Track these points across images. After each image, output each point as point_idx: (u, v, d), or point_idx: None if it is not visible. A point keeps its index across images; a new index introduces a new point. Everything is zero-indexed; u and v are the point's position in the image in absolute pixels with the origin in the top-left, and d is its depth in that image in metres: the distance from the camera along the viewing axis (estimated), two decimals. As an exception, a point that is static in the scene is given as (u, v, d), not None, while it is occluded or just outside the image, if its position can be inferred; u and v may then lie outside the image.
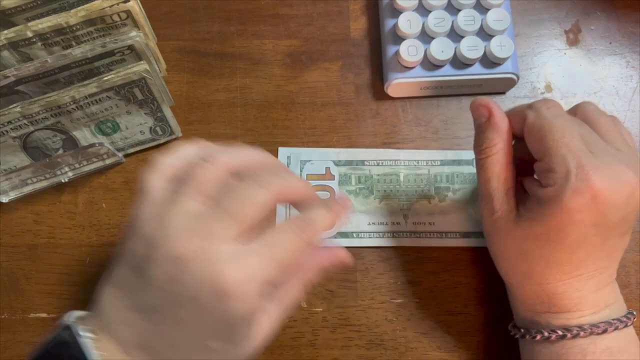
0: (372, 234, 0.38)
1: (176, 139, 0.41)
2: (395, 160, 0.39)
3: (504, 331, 0.34)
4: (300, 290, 0.28)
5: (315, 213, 0.26)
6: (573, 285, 0.29)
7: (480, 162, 0.31)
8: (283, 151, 0.40)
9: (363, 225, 0.38)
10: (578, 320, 0.29)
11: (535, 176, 0.30)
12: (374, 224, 0.38)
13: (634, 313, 0.30)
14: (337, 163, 0.40)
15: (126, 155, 0.40)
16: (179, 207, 0.23)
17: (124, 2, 0.34)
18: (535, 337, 0.30)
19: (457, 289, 0.37)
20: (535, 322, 0.31)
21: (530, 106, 0.30)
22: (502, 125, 0.30)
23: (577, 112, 0.31)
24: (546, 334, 0.30)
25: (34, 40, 0.34)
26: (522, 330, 0.31)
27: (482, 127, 0.31)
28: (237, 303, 0.22)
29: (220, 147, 0.26)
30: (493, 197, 0.30)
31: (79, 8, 0.34)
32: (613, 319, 0.29)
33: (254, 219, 0.24)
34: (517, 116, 0.30)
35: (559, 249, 0.28)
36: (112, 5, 0.34)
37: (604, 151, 0.28)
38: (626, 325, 0.30)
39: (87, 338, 0.24)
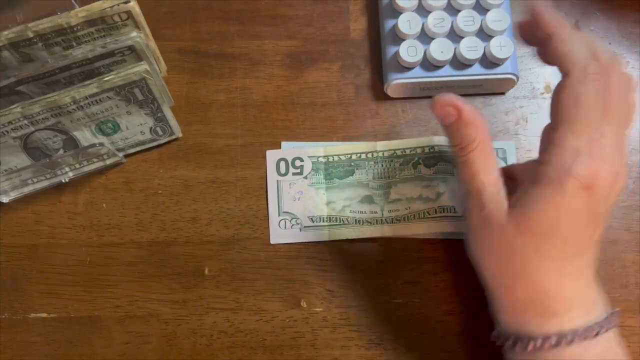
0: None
1: (176, 139, 0.41)
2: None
3: (504, 331, 0.34)
4: None
5: None
6: (566, 283, 0.28)
7: (462, 159, 0.29)
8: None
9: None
10: (571, 323, 0.27)
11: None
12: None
13: (618, 310, 0.29)
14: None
15: (126, 156, 0.41)
16: None
17: (125, 2, 0.34)
18: (527, 346, 0.28)
19: (457, 289, 0.37)
20: (525, 329, 0.28)
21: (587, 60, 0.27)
22: (475, 118, 0.28)
23: (600, 59, 0.27)
24: (540, 342, 0.27)
25: (35, 40, 0.34)
26: (512, 340, 0.29)
27: (454, 127, 0.29)
28: None
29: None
30: (482, 192, 0.28)
31: (79, 8, 0.34)
32: (603, 319, 0.28)
33: None
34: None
35: (553, 243, 0.27)
36: (113, 6, 0.34)
37: (610, 132, 0.26)
38: (614, 326, 0.28)
39: None
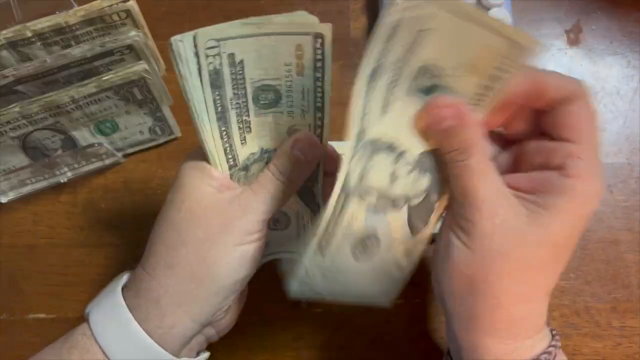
0: None
1: (175, 139, 0.41)
2: None
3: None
4: None
5: None
6: (546, 301, 0.26)
7: (461, 165, 0.25)
8: None
9: None
10: (538, 347, 0.25)
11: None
12: None
13: (555, 331, 0.27)
14: None
15: (125, 156, 0.40)
16: None
17: (124, 1, 0.34)
18: None
19: (458, 290, 0.37)
20: (493, 356, 0.25)
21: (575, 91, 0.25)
22: (476, 120, 0.25)
23: (576, 93, 0.25)
24: None
25: (33, 39, 0.34)
26: None
27: (452, 131, 0.25)
28: None
29: None
30: (490, 199, 0.24)
31: (78, 8, 0.34)
32: (553, 342, 0.26)
33: None
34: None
35: (565, 257, 0.25)
36: (112, 5, 0.34)
37: None
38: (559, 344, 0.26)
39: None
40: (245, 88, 0.26)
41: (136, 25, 0.35)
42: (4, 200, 0.39)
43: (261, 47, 0.25)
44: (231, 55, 0.25)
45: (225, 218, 0.27)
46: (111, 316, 0.27)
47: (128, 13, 0.34)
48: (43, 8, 0.35)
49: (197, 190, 0.27)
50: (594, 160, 0.25)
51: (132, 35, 0.35)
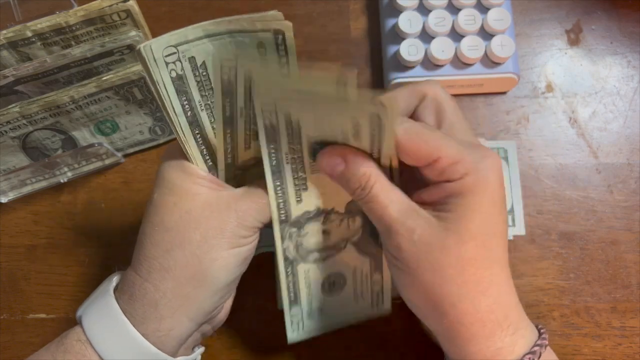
0: None
1: (175, 139, 0.40)
2: None
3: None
4: None
5: None
6: (513, 290, 0.26)
7: (367, 199, 0.26)
8: None
9: None
10: (520, 346, 0.25)
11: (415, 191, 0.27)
12: None
13: (543, 327, 0.27)
14: None
15: (125, 156, 0.40)
16: None
17: (124, 1, 0.33)
18: None
19: (458, 290, 0.37)
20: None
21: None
22: (362, 158, 0.26)
23: (426, 93, 0.28)
24: None
25: (33, 39, 0.34)
26: None
27: (345, 174, 0.26)
28: None
29: None
30: (403, 218, 0.25)
31: (78, 8, 0.33)
32: (539, 341, 0.25)
33: None
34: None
35: (497, 242, 0.25)
36: (112, 5, 0.33)
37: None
38: (547, 342, 0.26)
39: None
40: (211, 89, 0.26)
41: (136, 25, 0.35)
42: (4, 200, 0.39)
43: (223, 48, 0.25)
44: (192, 59, 0.25)
45: (222, 221, 0.27)
46: (106, 321, 0.26)
47: (128, 13, 0.34)
48: (43, 8, 0.35)
49: (189, 191, 0.27)
50: (462, 151, 0.25)
51: (132, 35, 0.35)
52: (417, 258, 0.25)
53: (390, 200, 0.26)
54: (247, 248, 0.28)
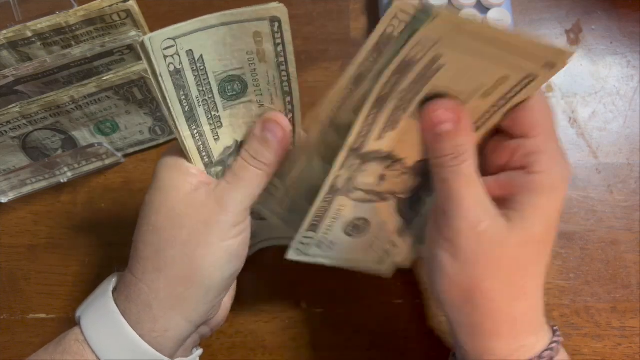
0: None
1: (175, 139, 0.40)
2: None
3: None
4: None
5: None
6: (543, 292, 0.26)
7: (451, 171, 0.25)
8: None
9: None
10: (539, 344, 0.25)
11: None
12: None
13: (555, 327, 0.27)
14: None
15: (125, 156, 0.40)
16: None
17: (124, 1, 0.34)
18: None
19: (458, 290, 0.37)
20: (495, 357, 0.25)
21: None
22: (470, 128, 0.25)
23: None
24: None
25: (33, 39, 0.34)
26: None
27: (448, 135, 0.25)
28: None
29: None
30: (476, 205, 0.25)
31: (78, 8, 0.34)
32: (555, 338, 0.26)
33: None
34: None
35: (547, 251, 0.25)
36: (112, 5, 0.33)
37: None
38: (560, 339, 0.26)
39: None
40: (209, 83, 0.26)
41: (136, 25, 0.35)
42: (4, 200, 0.39)
43: (219, 40, 0.25)
44: (190, 52, 0.24)
45: (205, 215, 0.26)
46: (104, 321, 0.27)
47: (128, 13, 0.34)
48: (43, 8, 0.35)
49: (176, 190, 0.27)
50: (554, 149, 0.25)
51: (132, 35, 0.35)
52: (475, 248, 0.25)
53: (472, 184, 0.25)
54: (237, 241, 0.27)
